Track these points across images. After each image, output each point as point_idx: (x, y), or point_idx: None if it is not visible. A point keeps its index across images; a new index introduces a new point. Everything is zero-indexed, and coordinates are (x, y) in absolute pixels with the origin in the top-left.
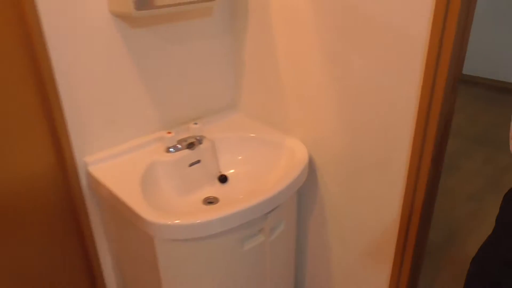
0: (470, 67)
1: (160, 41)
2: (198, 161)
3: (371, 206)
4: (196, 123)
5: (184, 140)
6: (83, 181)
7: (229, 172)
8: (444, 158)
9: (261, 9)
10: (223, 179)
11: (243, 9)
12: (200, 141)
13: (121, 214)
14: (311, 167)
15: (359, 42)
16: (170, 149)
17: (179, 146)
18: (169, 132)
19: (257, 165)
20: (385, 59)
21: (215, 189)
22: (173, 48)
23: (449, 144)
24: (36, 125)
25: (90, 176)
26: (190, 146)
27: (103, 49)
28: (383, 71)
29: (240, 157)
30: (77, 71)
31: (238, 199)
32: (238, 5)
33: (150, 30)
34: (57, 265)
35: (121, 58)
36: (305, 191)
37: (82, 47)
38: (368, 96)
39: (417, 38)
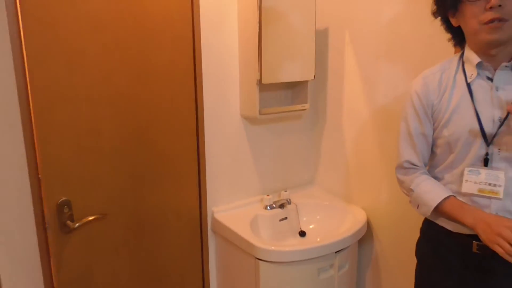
0: None
1: (268, 134)
2: (286, 218)
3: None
4: (286, 191)
5: (277, 201)
6: (209, 223)
7: (308, 228)
8: None
9: (335, 115)
10: (302, 234)
11: (323, 114)
12: (288, 203)
13: (234, 245)
14: (369, 227)
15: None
16: (267, 207)
17: (273, 205)
18: (268, 195)
19: (329, 224)
20: None
21: (296, 241)
22: (275, 139)
23: None
24: (192, 179)
25: (215, 220)
26: (281, 206)
27: (233, 136)
28: None
29: (317, 217)
30: (217, 147)
31: (316, 241)
32: (319, 112)
33: (263, 127)
34: (181, 274)
35: (243, 143)
36: (364, 245)
37: (222, 133)
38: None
39: None
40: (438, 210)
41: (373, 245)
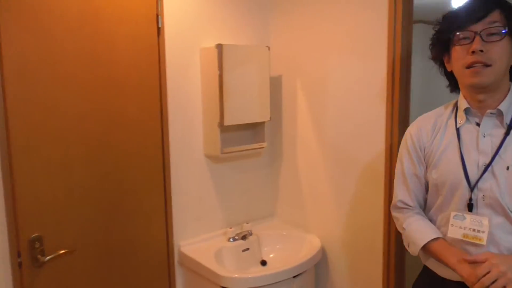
0: None
1: (230, 171)
2: (248, 249)
3: (362, 284)
4: (248, 223)
5: (240, 233)
6: (176, 256)
7: (269, 257)
8: None
9: (290, 152)
10: (264, 263)
11: (280, 152)
12: (250, 235)
13: (200, 276)
14: (324, 253)
15: (348, 172)
16: (231, 239)
17: (236, 237)
18: (231, 228)
19: (288, 252)
20: (363, 183)
21: (258, 270)
22: (237, 176)
23: None
24: (159, 215)
25: (181, 253)
26: (243, 238)
27: (198, 174)
28: (362, 191)
29: (277, 246)
30: (182, 184)
31: (276, 267)
32: (276, 150)
33: (225, 164)
34: None
35: (207, 180)
36: (320, 269)
37: (187, 171)
38: (358, 207)
39: (379, 171)
40: (426, 250)
41: (328, 269)
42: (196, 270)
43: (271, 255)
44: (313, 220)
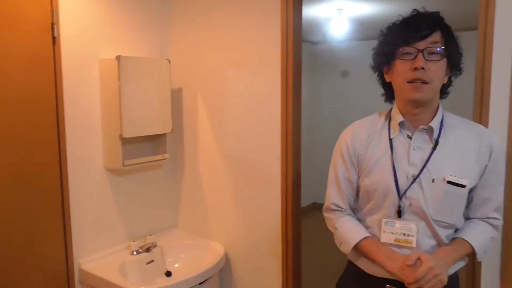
0: None
1: (132, 184)
2: (152, 261)
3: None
4: (151, 235)
5: (143, 246)
6: (77, 275)
7: (174, 267)
8: None
9: (192, 162)
10: (168, 274)
11: (181, 163)
12: (154, 247)
13: None
14: (227, 258)
15: (248, 180)
16: (134, 252)
17: (140, 250)
18: (134, 241)
19: (192, 261)
20: (262, 189)
21: (163, 281)
22: (139, 188)
23: None
24: (57, 233)
25: (82, 271)
26: (147, 250)
27: (98, 188)
28: (261, 197)
29: (182, 256)
30: (82, 200)
31: (181, 276)
32: (178, 161)
33: (126, 177)
34: None
35: (107, 193)
36: (224, 274)
37: (87, 186)
38: (258, 213)
39: (276, 177)
40: (357, 248)
41: (232, 274)
42: (99, 286)
43: (176, 265)
44: (216, 228)
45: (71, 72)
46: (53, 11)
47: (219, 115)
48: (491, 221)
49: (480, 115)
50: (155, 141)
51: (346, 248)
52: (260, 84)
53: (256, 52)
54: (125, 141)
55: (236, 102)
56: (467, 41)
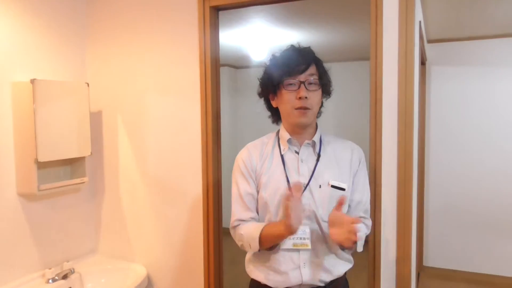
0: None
1: (47, 209)
2: None
3: None
4: (68, 261)
5: (60, 273)
6: None
7: None
8: None
9: (112, 185)
10: None
11: (102, 186)
12: (72, 273)
13: None
14: (149, 279)
15: (170, 200)
16: (50, 280)
17: (56, 278)
18: (50, 269)
19: (113, 285)
20: (184, 209)
21: None
22: (55, 213)
23: None
24: None
25: None
26: (64, 277)
27: (8, 215)
28: (183, 217)
29: (102, 281)
30: None
31: None
32: (98, 184)
33: (42, 202)
34: None
35: (20, 220)
36: None
37: None
38: (180, 233)
39: (197, 197)
40: (261, 239)
41: None
42: None
43: None
44: (138, 250)
45: None
46: None
47: (140, 137)
48: (365, 221)
49: (375, 126)
50: (74, 165)
51: (254, 244)
52: (180, 107)
53: (176, 75)
54: (41, 165)
55: (156, 124)
56: (362, 69)
